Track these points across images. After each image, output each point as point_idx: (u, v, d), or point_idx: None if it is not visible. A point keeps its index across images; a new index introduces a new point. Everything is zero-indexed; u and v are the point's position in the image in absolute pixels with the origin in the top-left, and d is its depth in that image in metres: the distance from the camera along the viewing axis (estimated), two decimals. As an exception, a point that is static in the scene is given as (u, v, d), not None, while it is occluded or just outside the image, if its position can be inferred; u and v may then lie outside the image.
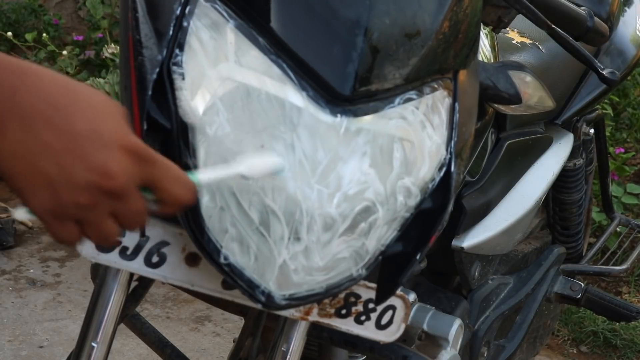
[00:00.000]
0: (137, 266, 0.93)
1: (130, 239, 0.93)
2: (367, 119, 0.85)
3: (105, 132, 0.68)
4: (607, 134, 2.42)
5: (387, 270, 0.93)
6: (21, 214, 0.69)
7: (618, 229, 2.31)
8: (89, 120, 0.68)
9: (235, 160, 0.80)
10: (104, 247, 0.92)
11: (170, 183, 0.72)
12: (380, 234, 0.88)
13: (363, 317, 0.99)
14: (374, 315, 0.99)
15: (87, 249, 0.93)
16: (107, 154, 0.68)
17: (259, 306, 0.87)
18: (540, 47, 1.62)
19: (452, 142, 0.91)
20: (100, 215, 0.69)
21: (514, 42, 1.60)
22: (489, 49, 1.35)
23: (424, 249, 0.90)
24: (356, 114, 0.84)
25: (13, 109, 0.65)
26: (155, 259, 0.93)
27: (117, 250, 0.93)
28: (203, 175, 0.77)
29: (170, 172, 0.72)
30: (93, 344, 0.97)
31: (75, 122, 0.67)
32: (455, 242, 1.35)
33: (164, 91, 0.83)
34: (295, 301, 0.87)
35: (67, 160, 0.67)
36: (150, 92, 0.82)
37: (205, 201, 0.82)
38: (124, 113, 0.71)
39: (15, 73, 0.66)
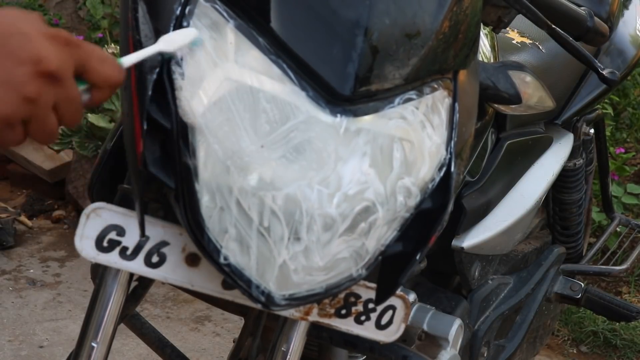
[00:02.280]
0: (137, 266, 0.93)
1: (130, 239, 0.93)
2: (367, 119, 0.85)
3: (25, 27, 0.70)
4: (607, 134, 2.41)
5: (387, 270, 0.93)
6: None
7: (618, 229, 2.31)
8: (4, 23, 0.70)
9: (155, 41, 0.82)
10: (104, 247, 0.93)
11: (99, 64, 0.75)
12: (380, 234, 0.88)
13: (363, 317, 0.99)
14: (373, 315, 0.99)
15: (87, 249, 0.92)
16: (34, 44, 0.70)
17: (258, 306, 0.87)
18: (540, 47, 1.62)
19: (452, 142, 0.91)
20: (45, 108, 0.71)
21: (514, 42, 1.60)
22: (489, 49, 1.35)
23: (424, 249, 0.90)
24: (356, 114, 0.84)
25: None
26: (155, 259, 0.93)
27: (117, 250, 0.93)
28: (126, 59, 0.80)
29: (96, 54, 0.75)
30: (93, 344, 0.97)
31: None
32: (455, 242, 1.35)
33: (164, 91, 0.83)
34: (295, 301, 0.87)
35: None
36: (150, 92, 0.82)
37: (205, 201, 0.82)
38: (40, 16, 0.73)
39: None
